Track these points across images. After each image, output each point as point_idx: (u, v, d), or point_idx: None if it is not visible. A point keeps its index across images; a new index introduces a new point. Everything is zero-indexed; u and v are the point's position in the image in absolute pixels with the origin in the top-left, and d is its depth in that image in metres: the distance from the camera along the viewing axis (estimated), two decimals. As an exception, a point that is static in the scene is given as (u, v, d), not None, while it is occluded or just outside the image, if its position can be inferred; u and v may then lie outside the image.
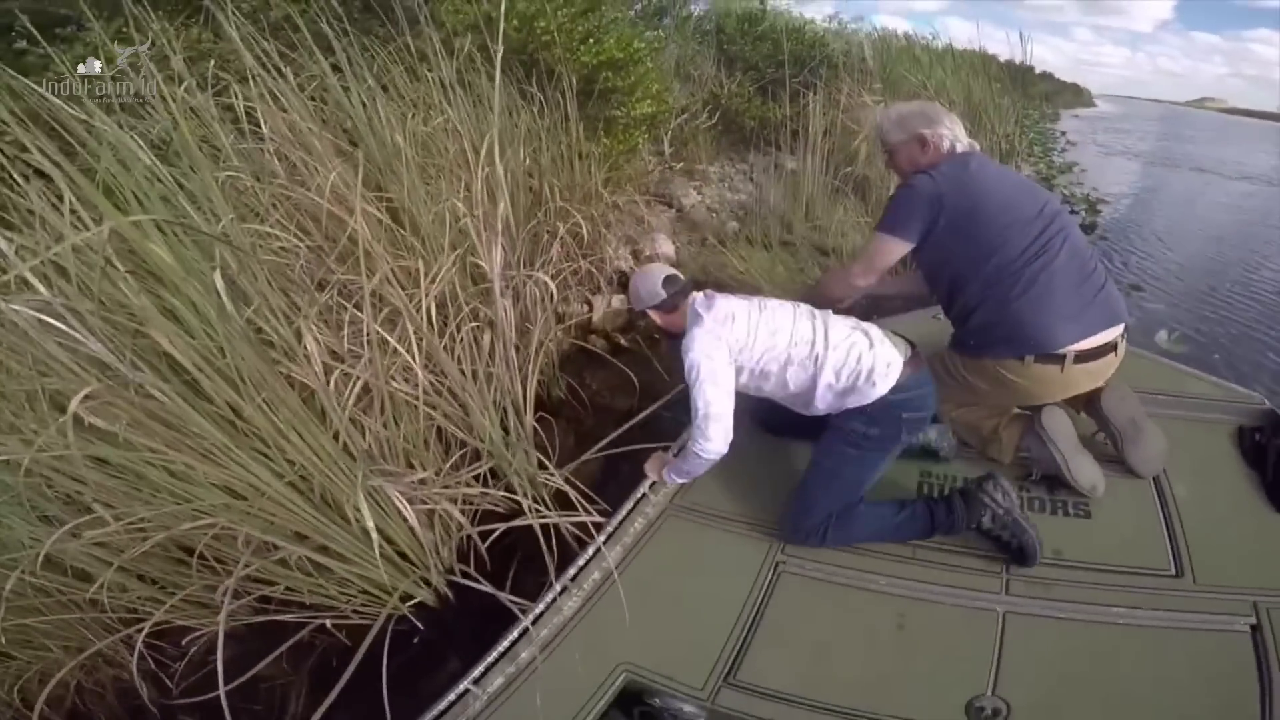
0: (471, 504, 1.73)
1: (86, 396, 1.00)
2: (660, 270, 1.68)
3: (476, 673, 1.22)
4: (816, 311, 1.62)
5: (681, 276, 1.67)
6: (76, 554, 1.31)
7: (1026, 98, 6.67)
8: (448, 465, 1.76)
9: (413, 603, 1.63)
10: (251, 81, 1.63)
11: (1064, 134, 12.07)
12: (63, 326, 0.97)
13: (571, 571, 1.40)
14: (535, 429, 2.02)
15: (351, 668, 1.35)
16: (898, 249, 1.62)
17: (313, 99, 1.74)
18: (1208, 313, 4.05)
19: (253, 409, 1.22)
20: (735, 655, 1.24)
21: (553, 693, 1.17)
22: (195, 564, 1.44)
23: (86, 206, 1.12)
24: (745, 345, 1.53)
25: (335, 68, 1.73)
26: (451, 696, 1.18)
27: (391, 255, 1.65)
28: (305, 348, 1.32)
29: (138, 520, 1.31)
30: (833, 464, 1.54)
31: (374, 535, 1.26)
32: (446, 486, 1.62)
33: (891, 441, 1.51)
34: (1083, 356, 1.48)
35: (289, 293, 1.50)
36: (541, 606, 1.32)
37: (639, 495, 1.60)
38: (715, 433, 1.46)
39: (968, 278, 1.55)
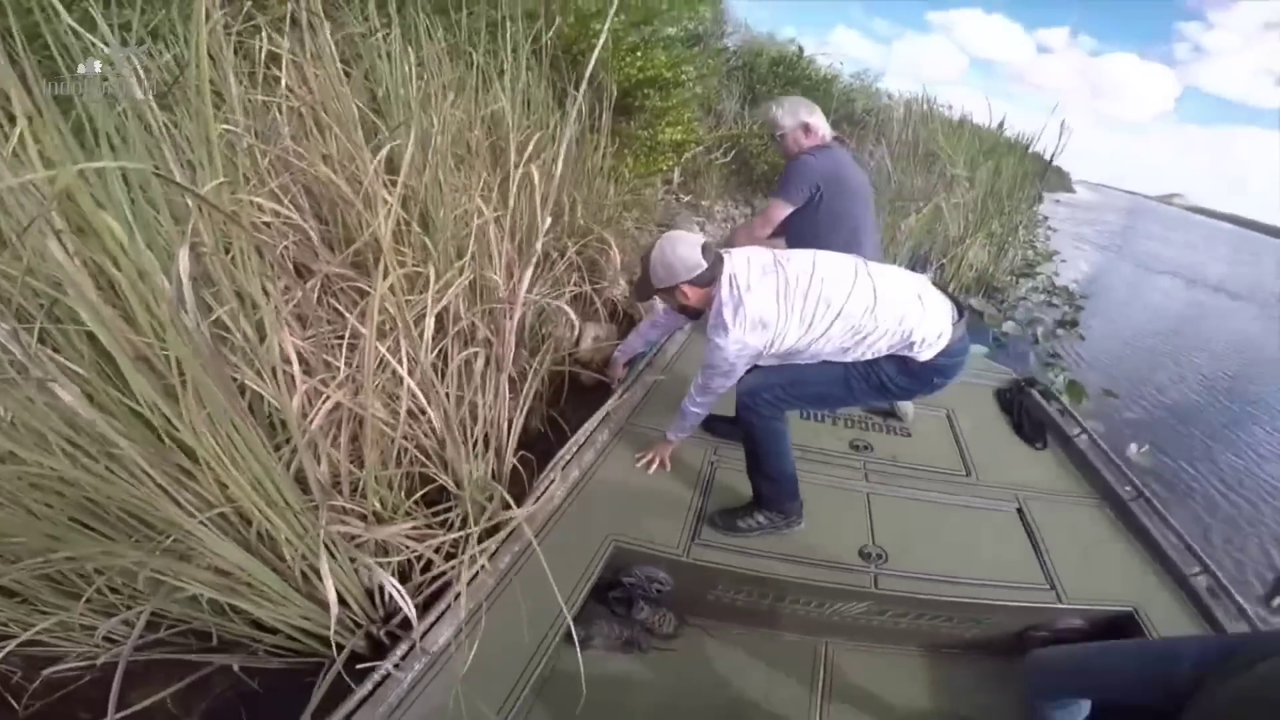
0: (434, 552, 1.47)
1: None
2: (692, 237, 1.50)
3: (489, 550, 1.40)
4: (873, 272, 1.48)
5: (708, 240, 1.50)
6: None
7: (1042, 183, 6.84)
8: (410, 501, 1.50)
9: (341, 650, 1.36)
10: (287, 28, 1.34)
11: (1046, 219, 12.52)
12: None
13: (559, 464, 1.71)
14: (516, 467, 1.78)
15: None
16: (786, 209, 2.14)
17: (344, 60, 1.46)
18: (1177, 425, 4.14)
19: (190, 425, 0.95)
20: (695, 525, 1.67)
21: (554, 565, 1.33)
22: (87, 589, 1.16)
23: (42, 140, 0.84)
24: (775, 341, 1.47)
25: (384, 26, 1.46)
26: (466, 576, 1.30)
27: (395, 253, 1.39)
28: (276, 352, 1.05)
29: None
30: (821, 378, 1.52)
31: (333, 604, 1.00)
32: (413, 531, 1.36)
33: (911, 393, 1.56)
34: None
35: (263, 278, 1.22)
36: (538, 494, 1.59)
37: (603, 413, 1.96)
38: (709, 403, 1.66)
39: (820, 236, 2.04)
